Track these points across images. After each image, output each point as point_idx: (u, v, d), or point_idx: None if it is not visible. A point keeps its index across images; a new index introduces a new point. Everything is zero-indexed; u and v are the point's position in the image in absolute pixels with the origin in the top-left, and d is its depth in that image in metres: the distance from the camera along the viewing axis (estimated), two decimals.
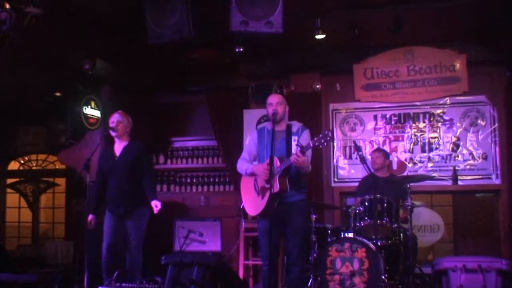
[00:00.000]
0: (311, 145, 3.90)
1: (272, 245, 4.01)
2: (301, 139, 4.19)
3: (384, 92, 6.55)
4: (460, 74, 6.30)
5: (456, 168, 6.03)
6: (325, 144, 3.87)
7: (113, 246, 4.76)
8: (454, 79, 6.33)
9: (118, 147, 4.87)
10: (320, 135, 3.86)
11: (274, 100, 4.32)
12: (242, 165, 4.41)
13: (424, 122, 6.45)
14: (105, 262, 4.76)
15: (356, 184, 6.00)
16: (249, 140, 4.53)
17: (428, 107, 6.45)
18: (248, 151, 4.47)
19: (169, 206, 7.35)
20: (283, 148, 4.20)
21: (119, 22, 5.52)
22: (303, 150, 3.90)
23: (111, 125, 4.84)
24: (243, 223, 6.51)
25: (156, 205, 4.72)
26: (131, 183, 4.77)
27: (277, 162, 4.04)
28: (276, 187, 4.00)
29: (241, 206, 4.79)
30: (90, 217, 4.80)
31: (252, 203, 4.30)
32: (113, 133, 4.85)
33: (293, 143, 4.17)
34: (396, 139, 6.52)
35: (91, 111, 6.84)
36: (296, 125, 4.34)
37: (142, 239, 4.83)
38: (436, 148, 6.39)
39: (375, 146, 6.43)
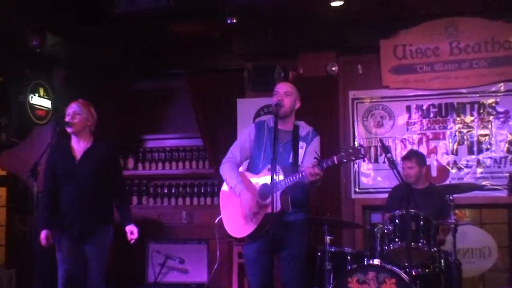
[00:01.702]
0: (336, 161, 3.89)
1: (263, 274, 4.01)
2: (310, 148, 4.22)
3: (420, 76, 6.56)
4: None
5: None
6: (355, 161, 3.88)
7: (72, 276, 4.72)
8: (509, 59, 6.34)
9: (78, 148, 4.84)
10: (350, 150, 3.85)
11: (282, 89, 4.34)
12: (227, 171, 4.36)
13: (471, 115, 6.45)
14: None
15: (384, 195, 5.99)
16: (245, 134, 4.50)
17: (477, 95, 6.44)
18: (240, 149, 4.42)
19: (141, 224, 7.32)
20: (287, 155, 4.21)
21: None
22: (321, 166, 3.90)
23: (66, 118, 4.82)
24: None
25: (131, 231, 4.76)
26: (93, 197, 4.73)
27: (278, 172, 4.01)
28: (278, 206, 3.96)
29: (216, 221, 4.79)
30: (43, 232, 4.72)
31: (237, 222, 4.27)
32: (68, 129, 4.82)
33: (301, 151, 4.20)
34: (436, 137, 6.52)
35: (40, 101, 6.82)
36: (305, 128, 4.36)
37: (105, 267, 4.79)
38: (487, 149, 6.39)
39: (409, 147, 6.43)
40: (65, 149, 4.86)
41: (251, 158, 4.39)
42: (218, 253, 5.73)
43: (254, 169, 4.33)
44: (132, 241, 4.79)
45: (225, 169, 4.39)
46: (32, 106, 6.73)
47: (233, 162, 4.39)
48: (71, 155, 4.82)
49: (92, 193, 4.72)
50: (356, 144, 3.88)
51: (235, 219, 4.28)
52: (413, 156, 5.70)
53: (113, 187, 4.85)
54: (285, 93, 4.31)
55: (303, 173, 3.95)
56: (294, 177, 4.00)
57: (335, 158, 3.89)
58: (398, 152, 6.41)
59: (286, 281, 4.24)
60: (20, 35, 6.22)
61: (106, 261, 4.80)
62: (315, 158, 4.00)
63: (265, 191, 4.08)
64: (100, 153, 4.83)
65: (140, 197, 7.69)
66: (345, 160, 3.86)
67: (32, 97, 6.72)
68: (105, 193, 4.80)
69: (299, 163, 4.17)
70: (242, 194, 4.19)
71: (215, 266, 5.90)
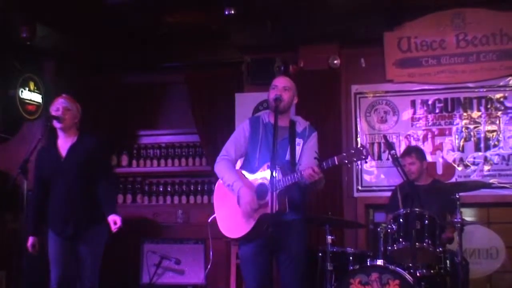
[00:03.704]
0: (336, 162, 3.88)
1: (261, 276, 4.00)
2: (307, 145, 4.21)
3: (426, 70, 6.55)
4: None
5: None
6: (356, 162, 3.85)
7: (65, 277, 4.74)
8: None
9: (64, 144, 4.85)
10: (351, 151, 3.83)
11: (281, 83, 4.31)
12: (223, 168, 4.29)
13: (478, 110, 6.45)
14: None
15: (387, 193, 5.99)
16: (239, 130, 4.42)
17: (485, 90, 6.44)
18: (235, 146, 4.35)
19: (135, 224, 7.36)
20: (284, 153, 4.18)
21: None
22: (322, 166, 3.89)
23: (55, 113, 4.81)
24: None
25: (115, 221, 4.67)
26: (83, 193, 4.74)
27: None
28: (276, 206, 3.90)
29: (209, 220, 4.77)
30: (30, 240, 4.76)
31: (232, 222, 4.23)
32: (57, 125, 4.82)
33: (297, 148, 4.18)
34: (442, 133, 6.52)
35: (30, 95, 6.83)
36: (301, 124, 4.33)
37: (99, 268, 4.81)
38: (495, 146, 6.39)
39: (413, 143, 6.43)
40: (51, 148, 4.89)
41: (246, 156, 4.35)
42: (211, 253, 5.76)
43: (249, 167, 4.28)
44: (114, 230, 4.65)
45: (220, 167, 4.32)
46: (22, 101, 6.73)
47: (228, 160, 4.32)
48: (57, 153, 4.83)
49: (80, 190, 4.74)
50: (359, 143, 3.81)
51: (231, 218, 4.22)
52: (413, 151, 5.75)
53: (100, 180, 4.80)
54: (284, 87, 4.28)
55: (302, 174, 3.93)
56: (292, 177, 3.98)
57: (335, 158, 3.87)
58: (403, 149, 6.40)
59: (285, 285, 4.21)
60: (9, 27, 6.21)
61: (100, 260, 4.82)
62: (315, 158, 3.99)
63: (263, 189, 4.06)
64: (85, 147, 4.83)
65: (135, 195, 7.69)
66: (346, 161, 3.84)
67: (22, 91, 6.72)
68: (94, 189, 4.78)
69: (296, 160, 4.15)
70: (241, 191, 4.11)
71: (209, 266, 5.95)
